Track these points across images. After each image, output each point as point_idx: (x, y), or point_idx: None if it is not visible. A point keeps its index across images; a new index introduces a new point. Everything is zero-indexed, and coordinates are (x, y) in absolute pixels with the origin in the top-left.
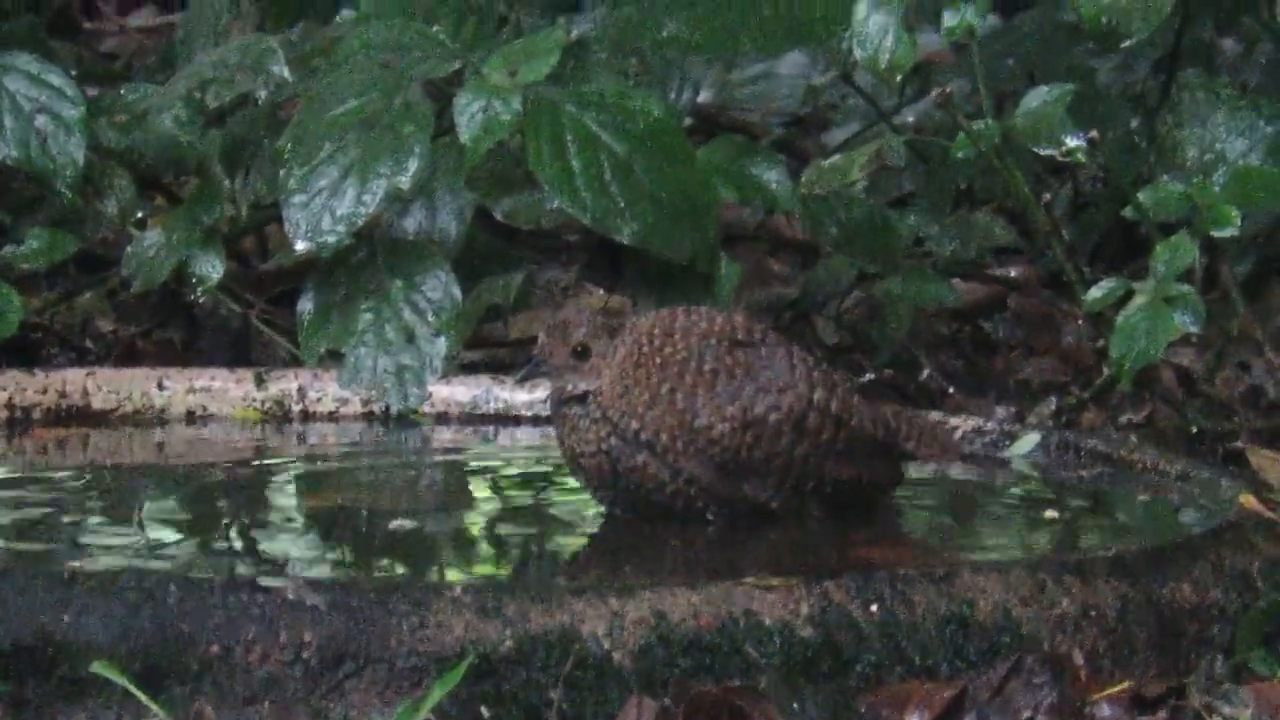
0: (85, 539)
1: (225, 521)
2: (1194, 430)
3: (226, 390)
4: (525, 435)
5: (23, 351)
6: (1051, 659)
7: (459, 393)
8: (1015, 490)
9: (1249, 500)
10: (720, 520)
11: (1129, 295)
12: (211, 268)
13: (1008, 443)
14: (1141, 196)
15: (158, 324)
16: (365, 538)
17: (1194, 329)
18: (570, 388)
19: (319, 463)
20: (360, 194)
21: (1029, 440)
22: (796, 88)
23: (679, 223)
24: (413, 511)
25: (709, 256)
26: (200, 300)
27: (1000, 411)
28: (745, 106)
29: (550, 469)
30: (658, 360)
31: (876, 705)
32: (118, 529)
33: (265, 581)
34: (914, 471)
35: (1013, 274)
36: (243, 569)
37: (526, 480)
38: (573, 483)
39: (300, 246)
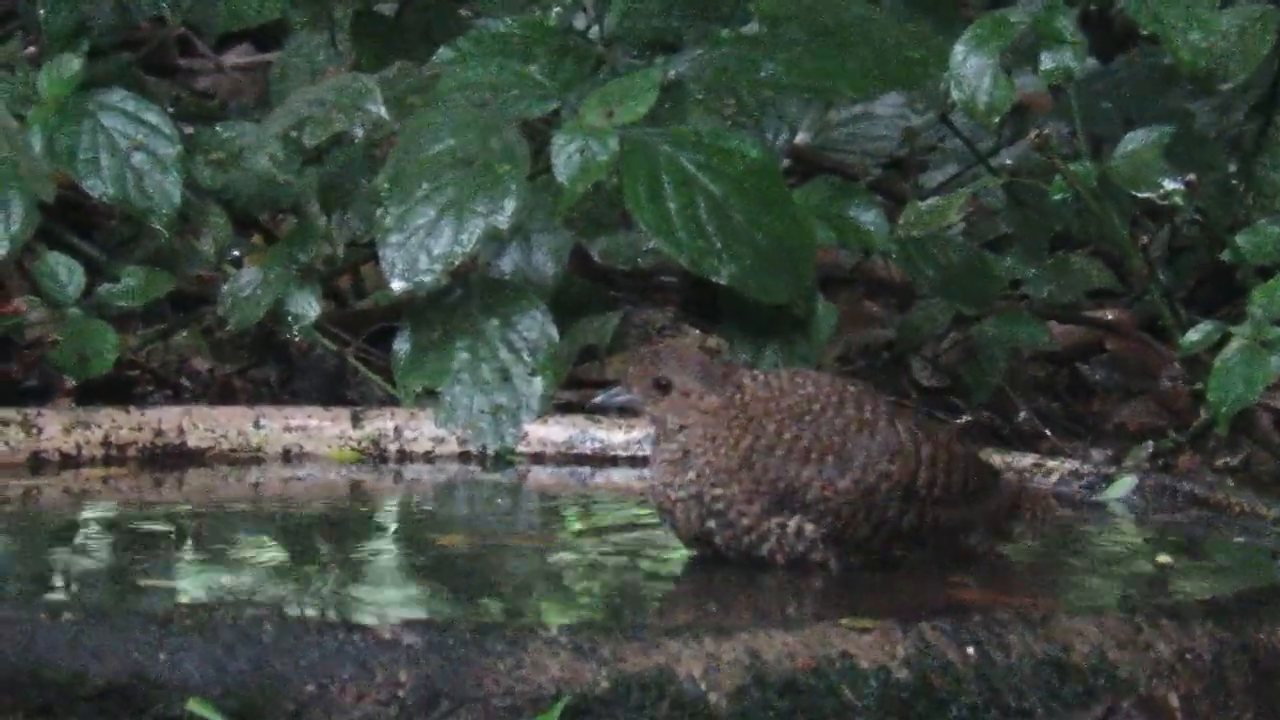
0: (181, 577)
1: (321, 561)
2: None
3: (322, 429)
4: (621, 476)
5: (119, 390)
6: (1147, 703)
7: (555, 433)
8: (1112, 534)
9: None
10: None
11: (1226, 338)
12: (308, 306)
13: (1104, 486)
14: (1239, 239)
15: (253, 363)
16: (461, 577)
17: None
18: (655, 421)
19: (415, 502)
20: (457, 233)
21: (1125, 483)
22: (894, 129)
23: (775, 264)
24: (508, 551)
25: (805, 298)
26: (296, 339)
27: (1096, 455)
28: (842, 148)
29: (645, 510)
30: (761, 424)
31: None
32: (213, 567)
33: (361, 620)
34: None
35: (1109, 317)
36: (338, 608)
37: (621, 521)
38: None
39: (397, 286)
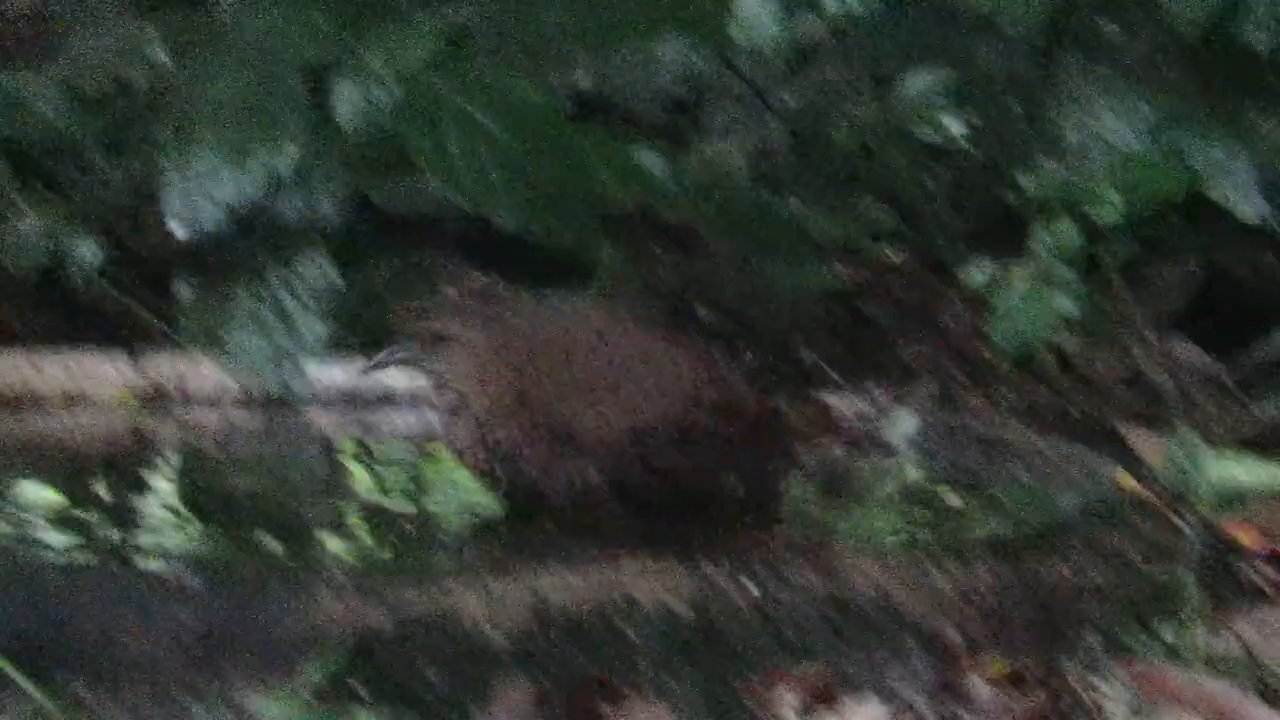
0: None
1: (103, 503)
2: (1073, 412)
3: (104, 373)
4: (403, 419)
5: None
6: (929, 639)
7: (338, 377)
8: (896, 472)
9: (1127, 481)
10: (603, 513)
11: (1009, 277)
12: (89, 252)
13: (888, 424)
14: (1022, 180)
15: (35, 306)
16: (244, 521)
17: (1074, 311)
18: (431, 373)
19: (198, 445)
20: (239, 179)
21: (908, 421)
22: (677, 72)
23: (558, 209)
24: (292, 493)
25: (589, 243)
26: (78, 285)
27: (880, 394)
28: (626, 92)
29: (428, 452)
30: (533, 363)
31: (754, 687)
32: None
33: (143, 565)
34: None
35: (893, 258)
36: (121, 553)
37: (404, 463)
38: (450, 466)
39: (179, 232)
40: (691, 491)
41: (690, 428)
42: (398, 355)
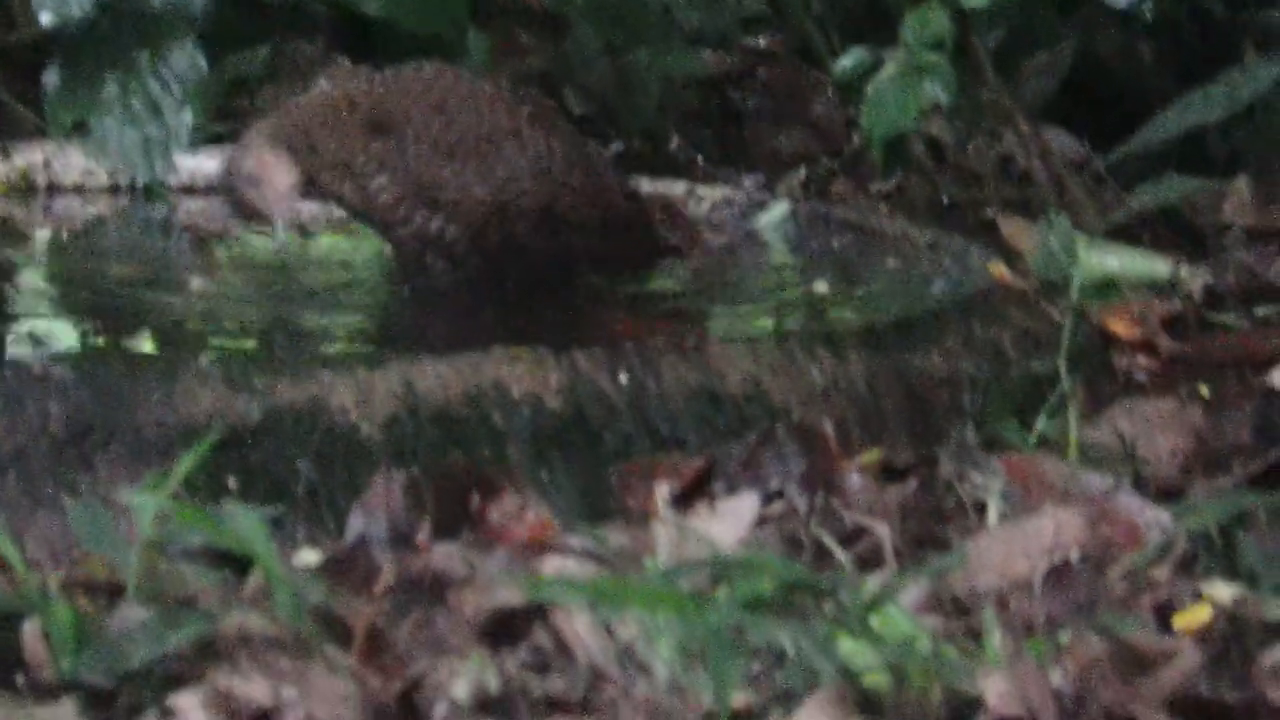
0: None
1: None
2: (945, 200)
3: None
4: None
5: None
6: (801, 430)
7: (206, 165)
8: (765, 261)
9: (1000, 270)
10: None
11: (879, 65)
12: None
13: (757, 212)
14: None
15: None
16: (114, 311)
17: (945, 99)
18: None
19: (65, 234)
20: None
21: (779, 210)
22: None
23: None
24: (160, 283)
25: (457, 29)
26: None
27: (749, 181)
28: None
29: (295, 237)
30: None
31: (626, 476)
32: None
33: (11, 355)
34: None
35: (762, 44)
36: None
37: (269, 251)
38: (322, 253)
39: (45, 18)
40: (554, 276)
41: (555, 209)
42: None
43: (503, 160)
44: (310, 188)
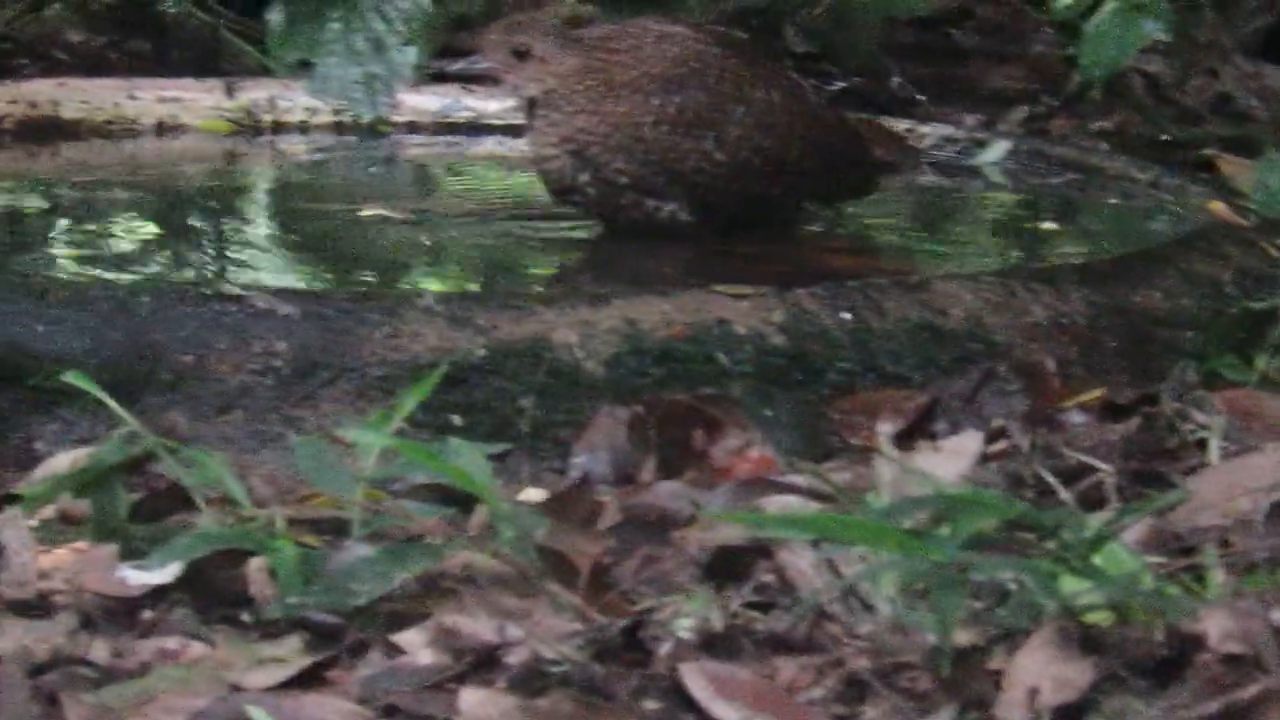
0: (58, 250)
1: (197, 231)
2: (1163, 138)
3: (197, 100)
4: (495, 144)
5: None
6: (1023, 366)
7: (428, 102)
8: (986, 199)
9: (1218, 207)
10: (688, 231)
11: (1098, 2)
12: None
13: (977, 150)
14: None
15: (127, 35)
16: (338, 247)
17: (1163, 36)
18: (516, 89)
19: (290, 171)
20: None
21: (999, 148)
22: None
23: None
24: (384, 221)
25: None
26: (169, 10)
27: (969, 119)
28: None
29: (519, 179)
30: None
31: (848, 413)
32: (90, 240)
33: (238, 291)
34: (884, 182)
35: None
36: (215, 279)
37: (495, 190)
38: (542, 191)
39: None
40: (777, 219)
41: (785, 160)
42: (480, 65)
43: (732, 123)
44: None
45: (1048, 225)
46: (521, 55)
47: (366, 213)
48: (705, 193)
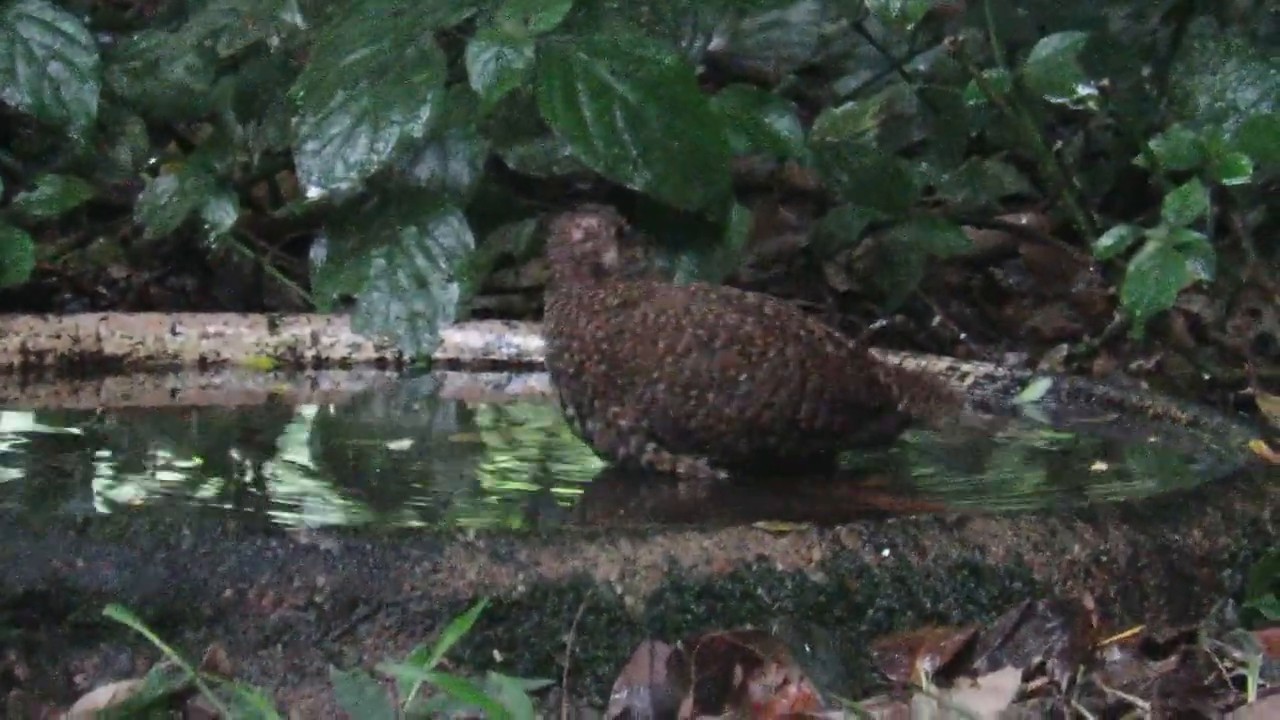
0: (99, 484)
1: (239, 466)
2: (1205, 377)
3: (239, 336)
4: (537, 381)
5: (37, 298)
6: (1062, 604)
7: (471, 339)
8: (1027, 437)
9: (1259, 447)
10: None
11: (1140, 243)
12: (224, 214)
13: (1019, 389)
14: (1153, 145)
15: (171, 271)
16: (378, 483)
17: (1205, 276)
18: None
19: (332, 407)
20: (373, 141)
21: (1040, 386)
22: (808, 36)
23: (691, 171)
24: (425, 456)
25: (721, 205)
26: (213, 247)
27: (1011, 358)
28: (757, 55)
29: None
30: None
31: (888, 650)
32: (131, 474)
33: (278, 527)
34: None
35: (1024, 222)
36: (256, 514)
37: (537, 426)
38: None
39: (313, 193)
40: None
41: (795, 417)
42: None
43: (744, 382)
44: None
45: (1088, 464)
46: (595, 270)
47: (407, 448)
48: (714, 449)
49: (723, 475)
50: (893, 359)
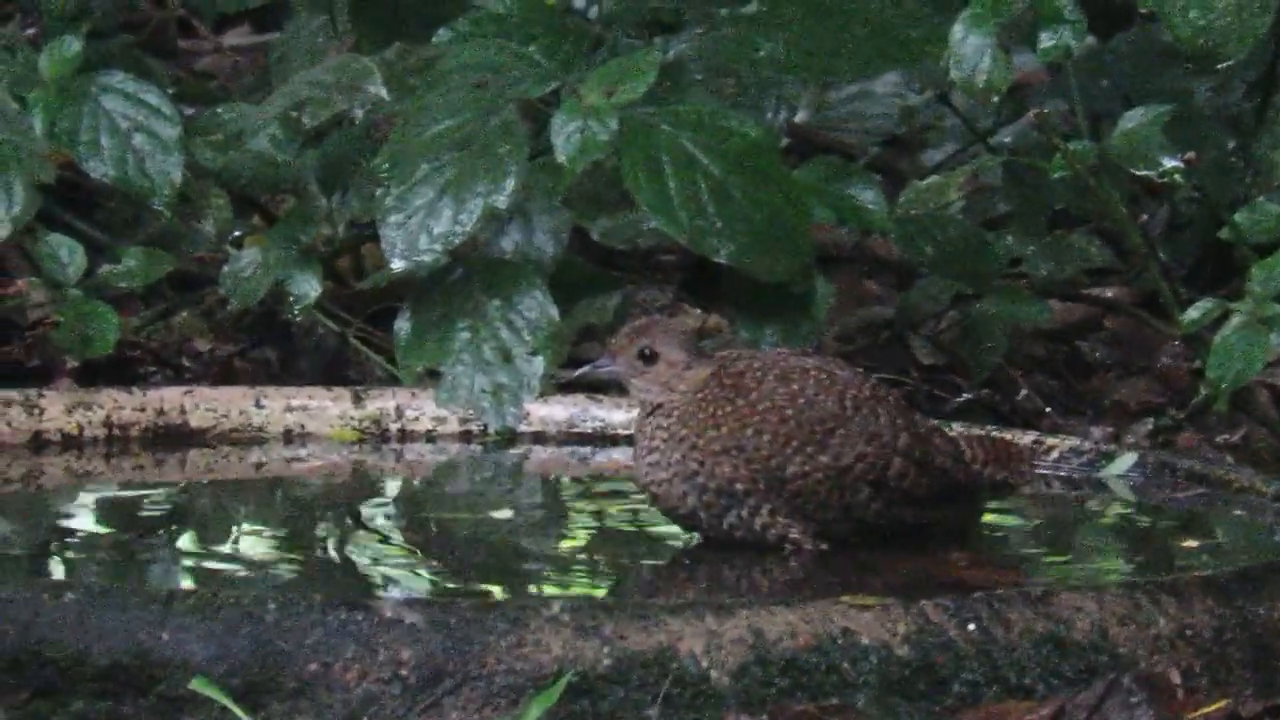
0: (184, 558)
1: (323, 539)
2: None
3: (324, 409)
4: (622, 455)
5: (120, 371)
6: (1148, 678)
7: (556, 412)
8: (1112, 511)
9: None
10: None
11: (1225, 316)
12: (308, 286)
13: (1104, 463)
14: (1238, 217)
15: (254, 343)
16: (462, 556)
17: None
18: (641, 395)
19: (416, 480)
20: (457, 213)
21: (1125, 460)
22: (892, 108)
23: (774, 243)
24: (509, 529)
25: (805, 277)
26: (297, 319)
27: (1096, 432)
28: (841, 127)
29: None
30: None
31: None
32: (216, 547)
33: (363, 600)
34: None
35: (1109, 294)
36: (341, 587)
37: (622, 499)
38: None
39: (397, 265)
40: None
41: (884, 470)
42: (606, 368)
43: (837, 437)
44: None
45: (1173, 538)
46: (649, 359)
47: (491, 520)
48: (807, 502)
49: (824, 546)
50: (977, 431)
